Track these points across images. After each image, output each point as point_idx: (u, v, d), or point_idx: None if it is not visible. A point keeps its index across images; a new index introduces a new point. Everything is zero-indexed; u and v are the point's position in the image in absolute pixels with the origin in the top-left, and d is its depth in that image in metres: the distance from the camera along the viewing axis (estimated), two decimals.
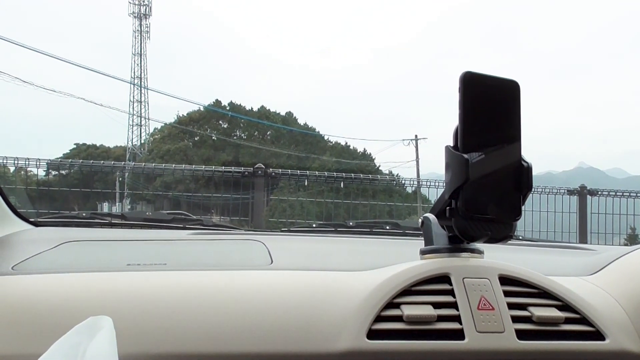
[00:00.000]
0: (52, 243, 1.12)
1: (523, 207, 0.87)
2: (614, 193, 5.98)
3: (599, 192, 6.01)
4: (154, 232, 1.42)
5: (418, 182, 6.81)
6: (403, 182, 6.75)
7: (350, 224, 1.67)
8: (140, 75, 38.62)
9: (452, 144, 0.84)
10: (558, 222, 5.89)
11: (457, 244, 0.89)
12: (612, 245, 5.75)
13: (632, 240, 6.49)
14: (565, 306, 0.87)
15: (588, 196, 5.97)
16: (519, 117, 0.86)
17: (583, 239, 5.79)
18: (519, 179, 0.84)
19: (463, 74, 0.82)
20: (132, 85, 37.34)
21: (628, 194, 6.04)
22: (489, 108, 0.84)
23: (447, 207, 0.84)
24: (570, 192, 5.91)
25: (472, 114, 0.83)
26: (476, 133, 0.82)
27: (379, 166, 29.60)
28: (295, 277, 0.90)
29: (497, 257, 0.93)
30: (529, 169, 0.85)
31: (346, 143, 31.34)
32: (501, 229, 0.85)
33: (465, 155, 0.80)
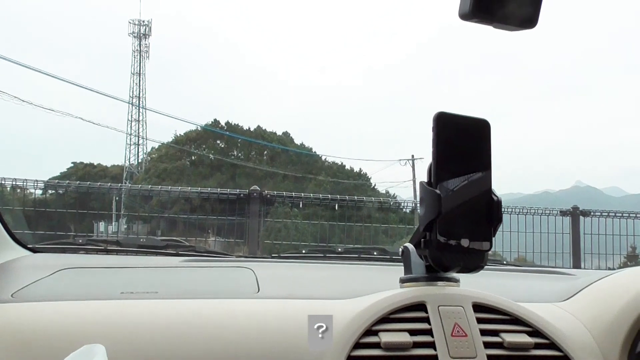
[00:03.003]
0: (50, 270, 1.17)
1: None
2: (606, 214, 6.00)
3: (592, 213, 6.04)
4: (147, 258, 1.46)
5: (415, 202, 6.85)
6: (398, 203, 6.80)
7: (339, 249, 1.72)
8: (139, 94, 38.86)
9: (426, 180, 0.89)
10: (552, 243, 5.91)
11: (434, 273, 0.94)
12: (607, 266, 5.78)
13: (632, 260, 6.50)
14: (535, 332, 0.91)
15: (581, 217, 6.00)
16: (489, 153, 0.92)
17: (577, 260, 5.81)
18: (490, 212, 0.90)
19: (436, 115, 0.88)
20: (130, 105, 37.54)
21: (621, 214, 6.06)
22: (461, 146, 0.90)
23: (422, 239, 0.90)
24: (563, 213, 5.93)
25: (445, 151, 0.89)
26: (449, 169, 0.88)
27: (375, 185, 29.69)
28: (279, 305, 0.95)
29: (476, 282, 0.97)
30: (499, 203, 0.91)
31: (342, 163, 31.47)
32: (473, 260, 0.90)
33: (438, 191, 0.86)
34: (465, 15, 0.83)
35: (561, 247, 5.90)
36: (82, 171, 32.21)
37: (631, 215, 6.01)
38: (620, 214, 6.00)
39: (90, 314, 0.87)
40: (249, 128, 31.95)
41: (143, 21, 39.47)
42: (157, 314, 0.89)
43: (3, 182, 4.88)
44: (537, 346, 0.89)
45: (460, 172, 0.89)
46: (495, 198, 0.90)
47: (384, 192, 27.86)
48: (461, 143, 0.90)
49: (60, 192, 6.09)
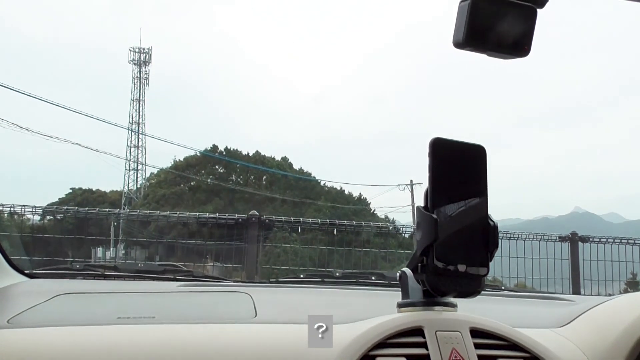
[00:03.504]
0: (47, 295, 1.17)
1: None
2: (605, 240, 5.97)
3: (591, 239, 6.01)
4: (145, 283, 1.46)
5: (413, 227, 6.82)
6: (397, 228, 6.79)
7: (337, 274, 1.72)
8: (139, 120, 39.08)
9: (423, 205, 0.90)
10: (551, 269, 5.87)
11: (432, 297, 0.94)
12: (607, 292, 5.75)
13: (632, 286, 6.45)
14: (533, 358, 0.91)
15: (580, 243, 5.97)
16: (485, 179, 0.93)
17: (576, 286, 5.77)
18: (487, 236, 0.91)
19: (432, 140, 0.90)
20: (129, 131, 37.72)
21: (620, 240, 6.03)
22: (457, 171, 0.91)
23: (419, 264, 0.90)
24: (562, 239, 5.90)
25: (441, 176, 0.90)
26: (445, 194, 0.89)
27: (374, 210, 29.64)
28: (276, 330, 0.95)
29: (474, 308, 0.97)
30: (495, 228, 0.91)
31: (341, 188, 31.47)
32: (470, 284, 0.91)
33: (434, 216, 0.87)
34: (459, 44, 0.85)
35: (560, 273, 5.86)
36: (80, 197, 32.14)
37: (630, 241, 5.98)
38: (619, 240, 5.96)
39: (86, 340, 0.87)
40: (248, 153, 32.05)
41: (143, 49, 39.94)
42: (154, 338, 0.88)
43: (1, 208, 4.87)
44: None
45: (456, 197, 0.90)
46: (491, 223, 0.91)
47: (382, 217, 27.83)
48: (457, 168, 0.91)
49: (59, 217, 6.09)
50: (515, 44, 0.88)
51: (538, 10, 0.88)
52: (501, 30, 0.86)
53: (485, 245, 0.91)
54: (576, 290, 5.64)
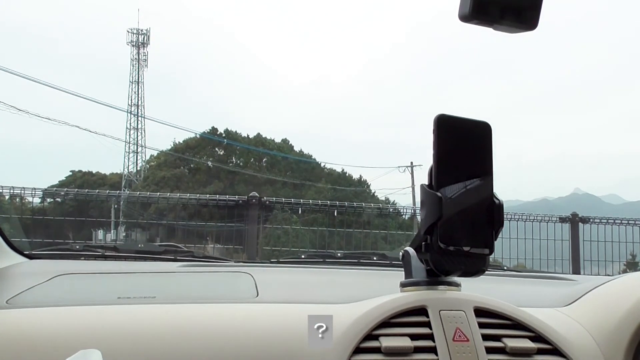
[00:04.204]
0: (46, 276, 1.16)
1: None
2: (605, 220, 5.97)
3: (591, 220, 6.01)
4: (145, 264, 1.45)
5: (414, 209, 6.83)
6: (398, 209, 6.79)
7: (339, 254, 1.71)
8: (137, 102, 38.88)
9: (427, 183, 0.88)
10: (551, 250, 5.89)
11: (435, 277, 0.93)
12: (607, 273, 5.77)
13: (632, 267, 6.48)
14: (538, 337, 0.90)
15: (580, 224, 5.97)
16: (491, 156, 0.91)
17: (576, 267, 5.78)
18: (492, 215, 0.89)
19: (437, 117, 0.88)
20: (129, 113, 37.58)
21: (620, 221, 6.04)
22: (462, 148, 0.89)
23: (423, 242, 0.89)
24: (563, 220, 5.90)
25: (446, 154, 0.88)
26: (449, 172, 0.87)
27: (374, 192, 29.65)
28: (278, 310, 0.94)
29: (478, 288, 0.96)
30: (500, 206, 0.90)
31: (342, 170, 31.41)
32: (475, 263, 0.89)
33: (439, 194, 0.85)
34: (465, 17, 0.82)
35: (560, 253, 5.88)
36: (80, 179, 32.13)
37: (630, 222, 5.99)
38: (619, 221, 5.97)
39: (86, 319, 0.86)
40: (248, 135, 31.96)
41: (141, 30, 39.57)
42: (155, 318, 0.88)
43: (1, 190, 4.86)
44: (540, 351, 0.88)
45: (461, 174, 0.88)
46: (497, 201, 0.90)
47: (383, 199, 27.84)
48: (462, 145, 0.89)
49: (59, 200, 6.08)
50: (523, 18, 0.85)
51: None
52: (508, 3, 0.83)
53: (490, 224, 0.89)
54: (576, 271, 5.65)
